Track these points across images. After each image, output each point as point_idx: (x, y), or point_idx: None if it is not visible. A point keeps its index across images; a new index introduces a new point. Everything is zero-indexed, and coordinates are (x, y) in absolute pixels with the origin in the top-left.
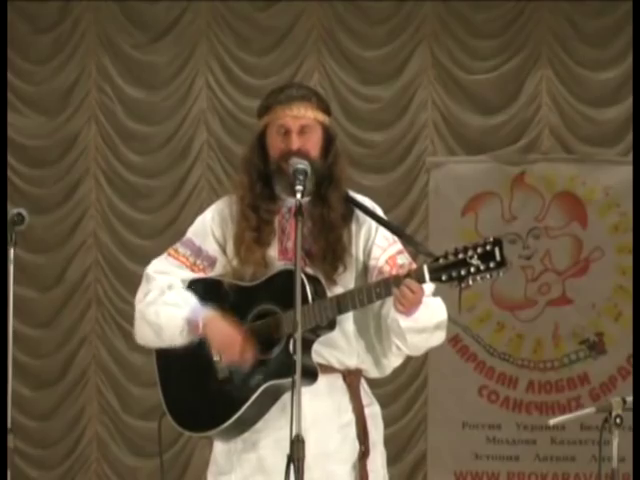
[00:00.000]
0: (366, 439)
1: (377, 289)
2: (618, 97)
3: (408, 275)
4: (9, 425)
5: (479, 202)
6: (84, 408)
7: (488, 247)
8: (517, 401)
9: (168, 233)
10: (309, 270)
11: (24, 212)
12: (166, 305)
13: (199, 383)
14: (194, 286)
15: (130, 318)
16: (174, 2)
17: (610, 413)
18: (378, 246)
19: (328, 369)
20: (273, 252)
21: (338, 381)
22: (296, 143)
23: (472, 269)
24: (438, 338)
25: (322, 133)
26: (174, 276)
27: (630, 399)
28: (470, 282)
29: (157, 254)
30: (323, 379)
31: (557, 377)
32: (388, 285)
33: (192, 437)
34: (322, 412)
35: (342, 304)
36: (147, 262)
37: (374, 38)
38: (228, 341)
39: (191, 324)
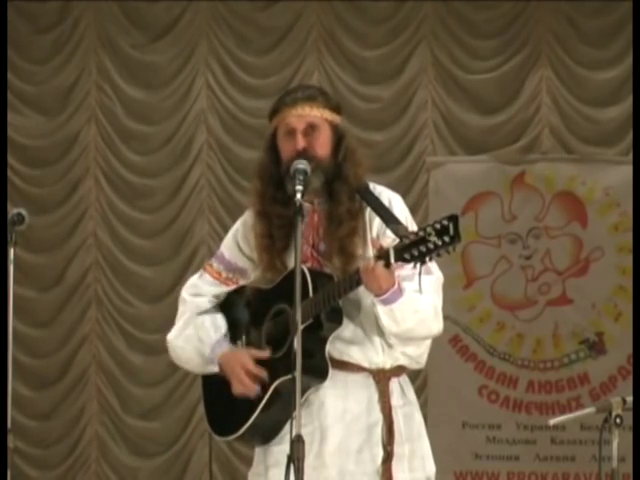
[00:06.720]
0: (392, 441)
1: (356, 276)
2: (618, 97)
3: (377, 257)
4: (9, 425)
5: (479, 202)
6: (84, 408)
7: (444, 222)
8: (517, 401)
9: (168, 233)
10: (326, 269)
11: (24, 212)
12: (190, 341)
13: (225, 387)
14: (224, 297)
15: (130, 317)
16: (174, 2)
17: (610, 413)
18: (389, 237)
19: (355, 367)
20: (289, 255)
21: (367, 380)
22: (301, 142)
23: (430, 245)
24: (426, 330)
25: (331, 131)
26: (206, 296)
27: (630, 399)
28: (431, 258)
29: (157, 254)
30: (350, 377)
31: (557, 377)
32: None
33: (192, 437)
34: (347, 410)
35: (331, 295)
36: (147, 262)
37: (374, 38)
38: (237, 380)
39: (210, 363)
